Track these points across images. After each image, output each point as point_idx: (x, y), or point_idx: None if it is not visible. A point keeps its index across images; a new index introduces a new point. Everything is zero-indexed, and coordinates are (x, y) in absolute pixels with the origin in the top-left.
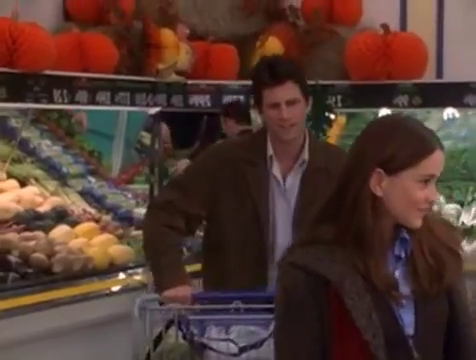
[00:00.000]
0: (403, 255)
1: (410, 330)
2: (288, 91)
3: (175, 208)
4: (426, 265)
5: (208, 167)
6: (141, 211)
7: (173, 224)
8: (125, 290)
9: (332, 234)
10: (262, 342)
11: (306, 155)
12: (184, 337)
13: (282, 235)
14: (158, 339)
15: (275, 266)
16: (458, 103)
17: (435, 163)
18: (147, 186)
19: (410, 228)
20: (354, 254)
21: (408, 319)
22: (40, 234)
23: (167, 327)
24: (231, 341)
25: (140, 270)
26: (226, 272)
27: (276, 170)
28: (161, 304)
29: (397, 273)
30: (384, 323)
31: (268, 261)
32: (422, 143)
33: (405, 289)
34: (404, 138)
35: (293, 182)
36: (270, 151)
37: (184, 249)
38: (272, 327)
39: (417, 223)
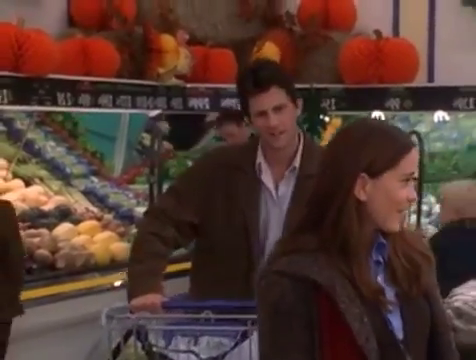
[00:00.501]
0: (381, 260)
1: (400, 334)
2: (273, 97)
3: (168, 216)
4: (403, 268)
5: (202, 172)
6: (142, 210)
7: (161, 233)
8: (125, 285)
9: (316, 243)
10: (224, 355)
11: (297, 162)
12: (143, 348)
13: (273, 240)
14: (117, 350)
15: None
16: (448, 106)
17: (413, 161)
18: (147, 186)
19: (386, 233)
20: (340, 261)
21: (397, 324)
22: (44, 231)
23: (126, 337)
24: (193, 353)
25: None
26: (214, 281)
27: (267, 178)
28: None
29: (379, 278)
30: (375, 327)
31: (256, 270)
32: (399, 143)
33: (389, 293)
34: (382, 140)
35: (285, 190)
36: (259, 158)
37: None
38: (238, 338)
39: (396, 226)
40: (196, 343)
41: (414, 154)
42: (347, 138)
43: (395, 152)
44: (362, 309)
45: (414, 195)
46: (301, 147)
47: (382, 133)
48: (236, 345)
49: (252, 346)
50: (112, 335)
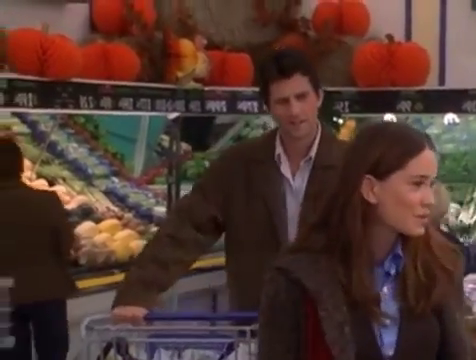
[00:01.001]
0: (393, 272)
1: (390, 351)
2: (296, 84)
3: (191, 213)
4: (416, 280)
5: (222, 167)
6: (160, 209)
7: (178, 235)
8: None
9: (322, 243)
10: None
11: (314, 152)
12: None
13: (293, 235)
14: None
15: None
16: (457, 109)
17: (424, 163)
18: (166, 186)
19: (406, 242)
20: (339, 264)
21: (389, 339)
22: None
23: (106, 350)
24: None
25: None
26: (242, 274)
27: (285, 169)
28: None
29: (385, 289)
30: (359, 340)
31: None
32: (408, 143)
33: (391, 307)
34: (389, 140)
35: (301, 181)
36: (278, 149)
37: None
38: (223, 350)
39: (418, 231)
40: (180, 356)
41: (427, 155)
42: (358, 138)
43: (403, 151)
44: (347, 318)
45: (430, 199)
46: (318, 137)
47: (392, 132)
48: (222, 358)
49: (238, 359)
50: (91, 348)
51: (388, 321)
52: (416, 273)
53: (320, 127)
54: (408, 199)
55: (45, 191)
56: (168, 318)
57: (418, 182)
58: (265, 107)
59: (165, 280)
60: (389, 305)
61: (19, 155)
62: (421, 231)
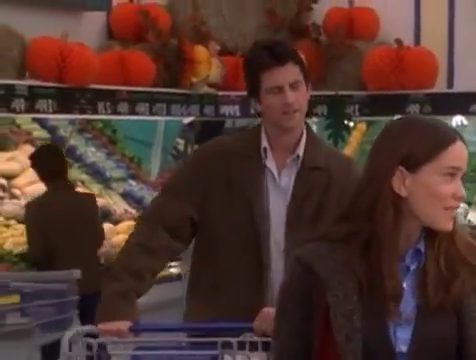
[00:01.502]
0: (413, 267)
1: (403, 347)
2: (290, 72)
3: (161, 217)
4: (437, 275)
5: (200, 162)
6: None
7: (149, 243)
8: (161, 281)
9: (343, 232)
10: None
11: (301, 150)
12: None
13: (277, 235)
14: None
15: (272, 272)
16: (465, 111)
17: (456, 155)
18: None
19: (430, 236)
20: (356, 256)
21: (403, 335)
22: None
23: None
24: None
25: (174, 263)
26: (218, 282)
27: (271, 163)
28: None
29: (404, 285)
30: (370, 332)
31: (264, 266)
32: (440, 135)
33: (409, 303)
34: (421, 132)
35: (288, 179)
36: (264, 143)
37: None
38: None
39: (447, 225)
40: None
41: (458, 147)
42: (387, 131)
43: (435, 144)
44: (357, 308)
45: (461, 192)
46: (305, 136)
47: (424, 125)
48: None
49: None
50: None
51: (403, 319)
52: (437, 267)
53: (305, 128)
54: (439, 191)
55: (86, 193)
56: (153, 329)
57: (450, 173)
58: (252, 101)
59: (141, 288)
60: (407, 301)
61: (64, 158)
62: (450, 226)
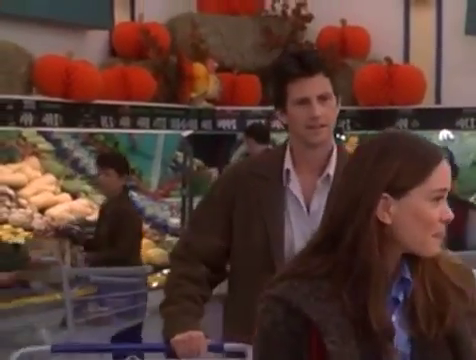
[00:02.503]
0: (401, 298)
1: None
2: (319, 84)
3: (194, 251)
4: (426, 305)
5: (221, 190)
6: (175, 220)
7: (191, 274)
8: (161, 287)
9: (325, 268)
10: None
11: (332, 169)
12: None
13: None
14: None
15: None
16: (452, 126)
17: (443, 175)
18: (180, 199)
19: (414, 264)
20: (346, 293)
21: None
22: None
23: None
24: None
25: None
26: (240, 308)
27: (295, 186)
28: (169, 356)
29: (394, 318)
30: None
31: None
32: (426, 155)
33: (401, 337)
34: (405, 154)
35: (319, 204)
36: (288, 164)
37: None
38: None
39: (435, 250)
40: None
41: (445, 167)
42: (366, 153)
43: (422, 165)
44: (357, 352)
45: (449, 214)
46: (335, 153)
47: (405, 145)
48: None
49: None
50: None
51: (399, 352)
52: (426, 297)
53: (334, 143)
54: (428, 216)
55: None
56: (74, 350)
57: (438, 197)
58: (277, 113)
59: (199, 311)
60: (399, 335)
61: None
62: (438, 250)
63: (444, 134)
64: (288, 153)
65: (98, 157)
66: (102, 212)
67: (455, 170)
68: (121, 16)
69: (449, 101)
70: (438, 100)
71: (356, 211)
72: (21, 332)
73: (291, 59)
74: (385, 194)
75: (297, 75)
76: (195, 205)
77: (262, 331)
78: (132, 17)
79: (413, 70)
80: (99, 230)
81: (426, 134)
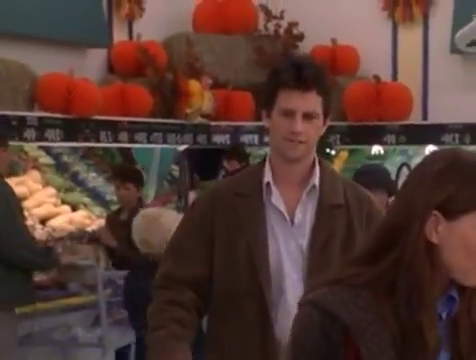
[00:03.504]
0: (444, 315)
1: None
2: (309, 102)
3: (177, 280)
4: (470, 327)
5: (199, 214)
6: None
7: (178, 298)
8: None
9: (365, 277)
10: None
11: (316, 180)
12: None
13: (290, 282)
14: None
15: (283, 326)
16: (438, 141)
17: None
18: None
19: (463, 285)
20: (386, 303)
21: None
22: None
23: None
24: None
25: None
26: (223, 334)
27: (277, 200)
28: None
29: None
30: None
31: (272, 317)
32: None
33: (441, 357)
34: (466, 175)
35: (303, 217)
36: (268, 177)
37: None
38: None
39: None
40: None
41: None
42: (427, 166)
43: None
44: None
45: None
46: (318, 169)
47: (469, 167)
48: None
49: None
50: None
51: None
52: (469, 317)
53: (317, 159)
54: (475, 246)
55: None
56: None
57: None
58: (263, 113)
59: (188, 335)
60: (442, 356)
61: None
62: None
63: (430, 149)
64: (267, 166)
65: (117, 171)
66: (114, 221)
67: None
68: (120, 35)
69: (435, 117)
70: (425, 116)
71: (406, 226)
72: (58, 329)
73: (290, 68)
74: (435, 212)
75: (290, 86)
76: None
77: (296, 337)
78: (130, 36)
79: (400, 87)
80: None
81: (412, 149)
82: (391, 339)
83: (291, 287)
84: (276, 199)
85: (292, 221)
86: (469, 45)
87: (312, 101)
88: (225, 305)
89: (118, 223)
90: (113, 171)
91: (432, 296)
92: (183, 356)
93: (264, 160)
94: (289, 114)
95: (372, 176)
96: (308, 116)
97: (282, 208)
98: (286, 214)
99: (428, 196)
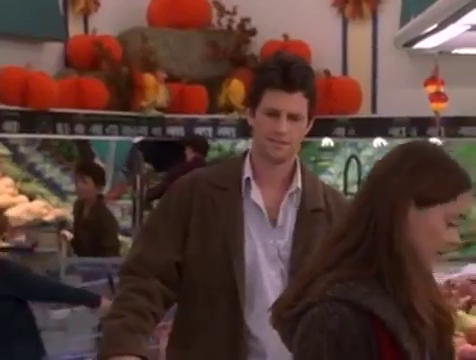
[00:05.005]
0: None
1: None
2: (295, 103)
3: (147, 264)
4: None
5: (177, 200)
6: (125, 222)
7: (143, 288)
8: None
9: (374, 270)
10: None
11: (299, 183)
12: None
13: (267, 277)
14: None
15: (258, 320)
16: (385, 134)
17: (466, 203)
18: (131, 201)
19: None
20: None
21: None
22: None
23: None
24: None
25: None
26: (193, 328)
27: (256, 196)
28: None
29: None
30: None
31: (245, 313)
32: (459, 178)
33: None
34: (442, 170)
35: (285, 218)
36: (247, 173)
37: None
38: None
39: (432, 265)
40: None
41: (469, 196)
42: (405, 158)
43: (455, 187)
44: (427, 349)
45: (458, 239)
46: (299, 171)
47: (444, 162)
48: None
49: None
50: None
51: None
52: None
53: (299, 162)
54: (441, 236)
55: None
56: None
57: (454, 223)
58: (248, 112)
59: (147, 327)
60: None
61: None
62: (435, 264)
63: (378, 142)
64: (247, 162)
65: (79, 164)
66: (78, 216)
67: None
68: (75, 29)
69: (384, 111)
70: (374, 110)
71: (386, 213)
72: None
73: (278, 67)
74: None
75: (277, 86)
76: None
77: (328, 337)
78: (86, 30)
79: (350, 82)
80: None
81: (361, 142)
82: (408, 326)
83: (269, 283)
84: (255, 195)
85: (273, 221)
86: (405, 45)
87: (298, 102)
88: (195, 297)
89: (81, 223)
90: (76, 165)
91: (418, 278)
92: (136, 351)
93: (244, 154)
94: (274, 114)
95: None
96: (293, 117)
97: (261, 204)
98: (265, 211)
99: (407, 186)
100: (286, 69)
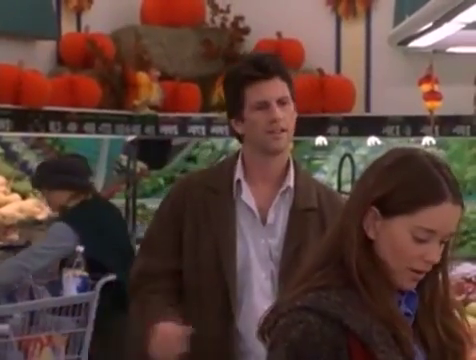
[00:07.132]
0: (411, 313)
1: None
2: (277, 87)
3: (151, 277)
4: (437, 338)
5: (170, 206)
6: None
7: (161, 286)
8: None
9: (345, 279)
10: None
11: (291, 181)
12: None
13: (257, 280)
14: None
15: (245, 321)
16: (379, 133)
17: (440, 217)
18: (124, 200)
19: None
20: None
21: None
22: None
23: None
24: None
25: None
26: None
27: (247, 197)
28: None
29: None
30: None
31: (235, 314)
32: (429, 187)
33: (419, 355)
34: (409, 175)
35: (276, 217)
36: (239, 174)
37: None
38: None
39: (406, 285)
40: None
41: (446, 210)
42: (382, 161)
43: (418, 196)
44: (400, 357)
45: (434, 257)
46: (292, 170)
47: (418, 167)
48: None
49: None
50: None
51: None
52: (435, 331)
53: (291, 158)
54: (406, 250)
55: None
56: None
57: (424, 235)
58: (233, 122)
59: (176, 310)
60: (418, 357)
61: None
62: (411, 287)
63: (372, 140)
64: (239, 163)
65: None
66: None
67: None
68: (68, 27)
69: (378, 110)
70: (367, 108)
71: (350, 217)
72: None
73: (247, 64)
74: (374, 208)
75: (254, 78)
76: (138, 205)
77: (287, 347)
78: (78, 28)
79: (344, 80)
80: None
81: (355, 140)
82: (392, 337)
83: (258, 286)
84: (246, 196)
85: (264, 220)
86: (399, 44)
87: (280, 86)
88: (188, 299)
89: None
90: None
91: (384, 287)
92: (171, 320)
93: (236, 156)
94: (264, 106)
95: None
96: (281, 102)
97: (252, 205)
98: (256, 211)
99: (367, 191)
100: (257, 60)
